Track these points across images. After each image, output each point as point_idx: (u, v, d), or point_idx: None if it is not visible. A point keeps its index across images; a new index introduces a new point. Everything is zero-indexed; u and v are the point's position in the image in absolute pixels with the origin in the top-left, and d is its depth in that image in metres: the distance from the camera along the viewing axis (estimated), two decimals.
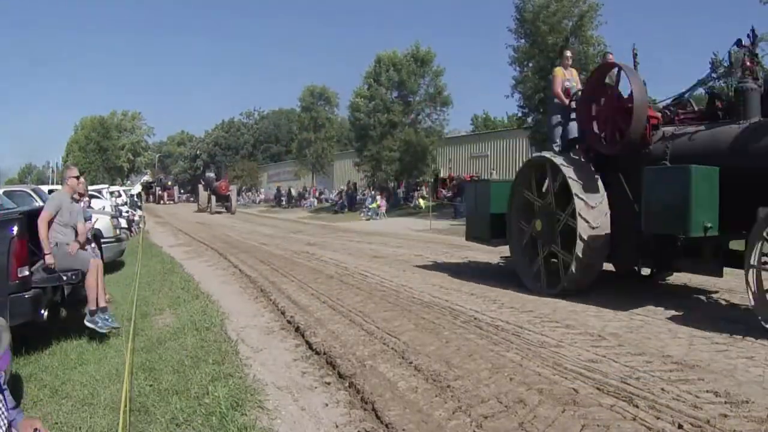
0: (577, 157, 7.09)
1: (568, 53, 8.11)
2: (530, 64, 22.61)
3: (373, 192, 30.28)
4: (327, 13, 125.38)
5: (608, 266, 7.24)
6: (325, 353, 4.76)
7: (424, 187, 30.11)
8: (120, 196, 24.84)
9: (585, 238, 6.38)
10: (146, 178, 55.48)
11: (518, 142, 31.93)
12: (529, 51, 22.37)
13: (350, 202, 33.03)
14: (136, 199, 33.84)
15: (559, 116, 7.61)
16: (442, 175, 33.97)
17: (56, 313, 5.98)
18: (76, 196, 6.07)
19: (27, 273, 4.93)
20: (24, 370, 4.59)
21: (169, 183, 56.11)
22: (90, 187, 22.56)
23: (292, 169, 51.23)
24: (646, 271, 7.48)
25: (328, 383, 4.13)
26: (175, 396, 3.86)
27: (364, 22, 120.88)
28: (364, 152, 32.62)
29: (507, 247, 8.40)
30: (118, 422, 3.40)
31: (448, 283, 7.96)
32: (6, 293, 4.73)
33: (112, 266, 10.43)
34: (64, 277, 5.33)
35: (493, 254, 10.82)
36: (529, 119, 23.61)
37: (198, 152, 69.92)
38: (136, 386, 4.10)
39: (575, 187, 6.54)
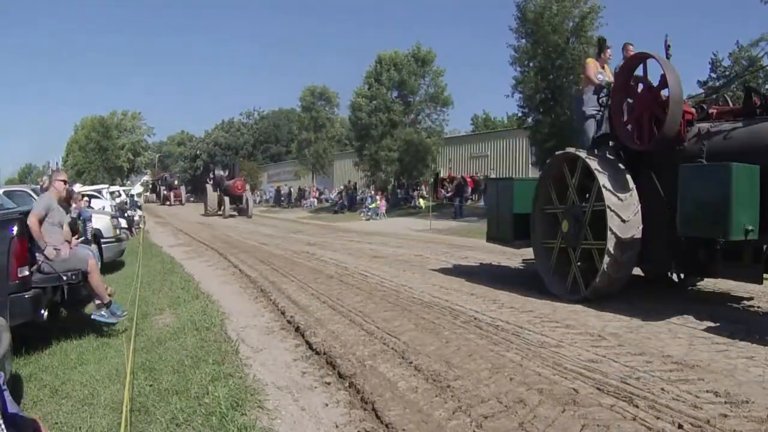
0: (606, 154, 6.75)
1: (609, 51, 7.60)
2: (531, 64, 22.63)
3: (372, 192, 30.28)
4: (327, 13, 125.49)
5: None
6: (325, 353, 4.76)
7: (424, 187, 30.14)
8: (120, 195, 24.88)
9: (616, 232, 6.01)
10: (146, 178, 54.95)
11: (518, 142, 31.95)
12: (530, 51, 22.39)
13: (350, 202, 33.04)
14: (136, 199, 33.87)
15: (589, 110, 7.24)
16: (442, 175, 34.01)
17: (56, 313, 5.98)
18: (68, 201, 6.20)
19: (27, 273, 4.93)
20: (24, 370, 4.59)
21: (176, 182, 48.74)
22: (90, 187, 22.63)
23: (292, 169, 51.22)
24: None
25: (328, 383, 4.13)
26: (175, 396, 3.86)
27: (365, 22, 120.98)
28: (364, 152, 32.64)
29: (524, 249, 8.18)
30: (118, 422, 3.40)
31: (448, 283, 7.96)
32: (6, 293, 4.73)
33: (112, 266, 10.44)
34: (64, 277, 5.33)
35: (494, 254, 10.83)
36: (530, 119, 23.63)
37: (198, 152, 69.82)
38: (136, 386, 4.09)
39: (604, 180, 6.19)
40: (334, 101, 45.12)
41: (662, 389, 3.67)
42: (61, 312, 6.44)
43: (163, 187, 46.82)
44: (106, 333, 5.78)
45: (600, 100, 7.18)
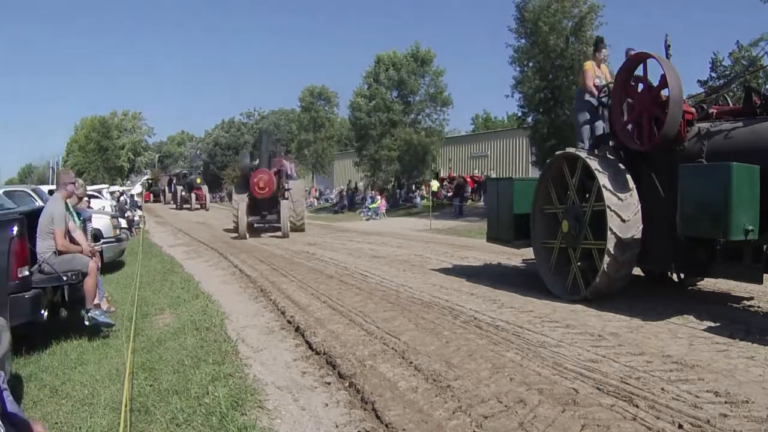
0: (606, 154, 6.73)
1: (605, 51, 7.60)
2: (530, 64, 22.64)
3: (372, 192, 30.29)
4: (327, 12, 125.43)
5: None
6: (325, 353, 4.76)
7: (424, 187, 30.18)
8: (122, 195, 24.93)
9: (616, 232, 6.00)
10: (146, 178, 54.54)
11: (518, 141, 32.01)
12: (529, 51, 22.40)
13: (350, 202, 33.08)
14: (136, 199, 33.87)
15: (587, 112, 7.24)
16: (442, 174, 34.06)
17: (56, 313, 5.98)
18: (72, 200, 6.19)
19: (27, 273, 4.93)
20: (24, 370, 4.59)
21: (198, 180, 36.86)
22: (90, 188, 22.64)
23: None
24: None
25: (328, 383, 4.13)
26: (175, 396, 3.86)
27: (365, 22, 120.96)
28: (364, 152, 32.67)
29: (524, 249, 8.19)
30: (118, 422, 3.40)
31: (448, 283, 7.96)
32: (6, 293, 4.73)
33: (112, 266, 10.44)
34: (65, 278, 5.33)
35: (494, 254, 10.83)
36: (529, 119, 23.65)
37: (198, 152, 69.83)
38: (136, 386, 4.10)
39: (604, 180, 6.18)
40: (333, 101, 45.23)
41: (662, 389, 3.67)
42: (61, 312, 6.44)
43: (180, 187, 36.80)
44: (106, 333, 5.78)
45: (600, 100, 7.19)
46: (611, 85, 6.97)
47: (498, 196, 8.47)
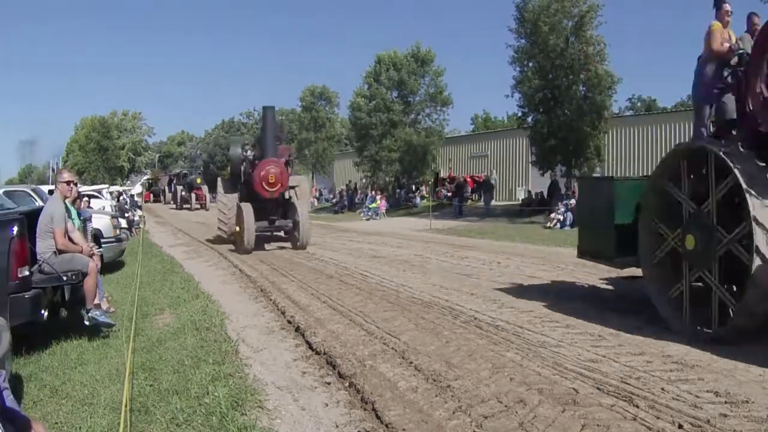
0: (735, 146, 5.02)
1: (728, 7, 5.85)
2: (530, 64, 22.64)
3: (372, 192, 30.31)
4: (327, 12, 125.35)
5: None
6: (325, 353, 4.76)
7: (424, 187, 30.22)
8: (121, 195, 24.95)
9: (760, 280, 4.39)
10: (147, 177, 54.54)
11: (518, 141, 31.98)
12: (529, 51, 22.40)
13: (350, 202, 33.11)
14: (136, 199, 33.87)
15: (712, 87, 5.67)
16: (442, 175, 34.11)
17: (56, 313, 5.99)
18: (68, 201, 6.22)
19: (27, 273, 4.93)
20: (24, 370, 4.59)
21: (198, 180, 36.91)
22: (90, 187, 22.64)
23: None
24: None
25: (328, 383, 4.13)
26: (175, 396, 3.86)
27: (365, 22, 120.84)
28: (364, 152, 32.68)
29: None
30: (118, 422, 3.40)
31: (448, 283, 7.96)
32: (6, 293, 4.72)
33: (112, 266, 10.44)
34: (65, 278, 5.33)
35: (494, 254, 10.83)
36: (529, 119, 23.65)
37: (198, 152, 69.86)
38: (136, 386, 4.09)
39: (755, 205, 4.46)
40: (334, 101, 45.25)
41: (662, 389, 3.67)
42: (61, 312, 6.44)
43: (180, 187, 36.94)
44: (106, 333, 5.78)
45: (731, 71, 5.61)
46: (746, 54, 5.40)
47: (593, 200, 6.74)
